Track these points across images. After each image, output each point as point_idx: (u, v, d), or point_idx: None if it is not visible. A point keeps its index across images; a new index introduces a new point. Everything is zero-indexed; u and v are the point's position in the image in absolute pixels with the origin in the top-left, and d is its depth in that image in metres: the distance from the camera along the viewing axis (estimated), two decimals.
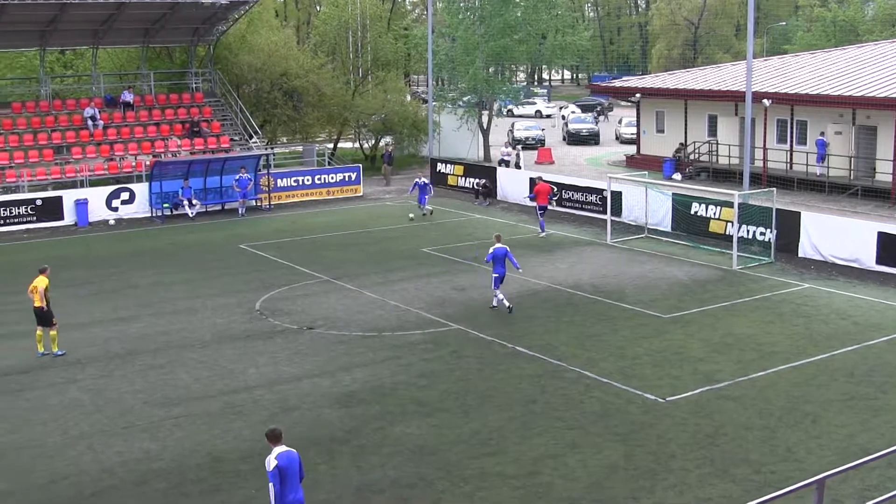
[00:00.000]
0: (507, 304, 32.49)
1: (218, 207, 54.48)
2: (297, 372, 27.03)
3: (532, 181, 51.62)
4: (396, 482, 20.10)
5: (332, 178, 59.62)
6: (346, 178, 59.83)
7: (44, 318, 28.55)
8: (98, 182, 54.36)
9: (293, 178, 58.27)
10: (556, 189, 49.80)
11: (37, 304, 28.44)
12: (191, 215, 52.18)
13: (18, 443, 22.49)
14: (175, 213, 52.59)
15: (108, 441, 22.50)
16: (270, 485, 16.01)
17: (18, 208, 49.83)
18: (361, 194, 59.38)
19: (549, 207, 47.53)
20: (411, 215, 48.79)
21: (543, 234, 45.83)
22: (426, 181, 52.55)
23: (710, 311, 32.45)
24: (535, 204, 47.49)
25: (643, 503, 19.01)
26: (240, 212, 53.24)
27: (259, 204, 55.24)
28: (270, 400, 24.86)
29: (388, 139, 75.41)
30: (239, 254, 42.96)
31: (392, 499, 19.39)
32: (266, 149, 61.33)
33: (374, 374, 26.71)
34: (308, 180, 58.68)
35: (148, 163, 54.53)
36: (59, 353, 28.69)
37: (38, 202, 50.25)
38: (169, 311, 33.51)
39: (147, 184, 52.81)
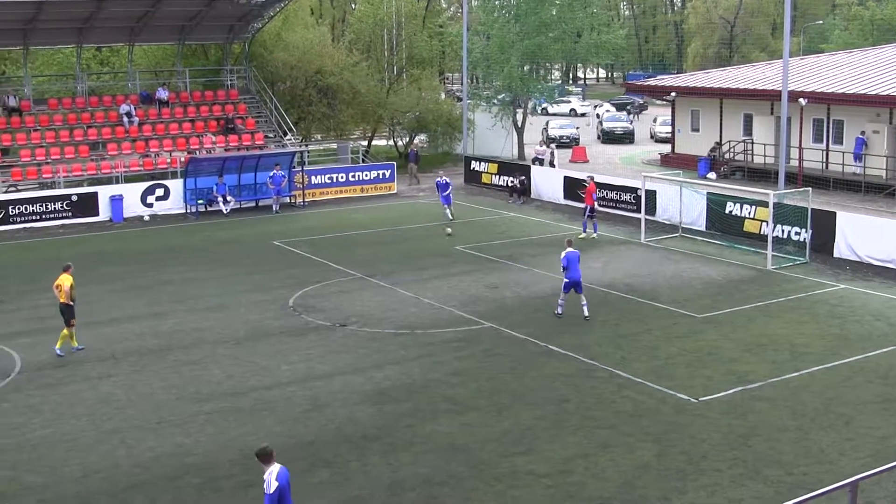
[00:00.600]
0: (585, 311, 31.49)
1: (252, 204, 54.65)
2: (329, 369, 27.07)
3: (583, 181, 49.34)
4: (427, 480, 20.10)
5: (366, 175, 59.67)
6: (380, 176, 59.88)
7: (66, 314, 28.70)
8: (133, 178, 54.67)
9: (327, 176, 58.39)
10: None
11: (62, 300, 28.57)
12: (225, 212, 52.36)
13: (52, 437, 22.62)
14: (209, 209, 52.77)
15: (141, 436, 22.62)
16: None
17: (54, 204, 50.15)
18: (395, 192, 59.41)
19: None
20: (448, 230, 44.84)
21: (584, 234, 45.09)
22: (447, 179, 51.23)
23: (744, 312, 32.29)
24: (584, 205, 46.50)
25: (674, 503, 18.94)
26: (274, 208, 53.38)
27: (293, 201, 55.36)
28: (303, 396, 24.91)
29: (420, 138, 75.53)
30: (272, 250, 43.08)
31: (423, 496, 19.39)
32: (300, 146, 61.48)
33: (406, 371, 26.72)
34: (342, 178, 58.78)
35: (182, 159, 54.75)
36: (79, 347, 28.96)
37: (74, 198, 50.53)
38: (202, 308, 33.64)
39: (181, 180, 53.00)
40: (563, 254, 31.56)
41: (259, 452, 15.94)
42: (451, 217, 49.45)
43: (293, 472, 20.35)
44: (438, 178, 51.48)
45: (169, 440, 22.35)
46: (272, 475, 15.53)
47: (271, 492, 15.40)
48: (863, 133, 56.46)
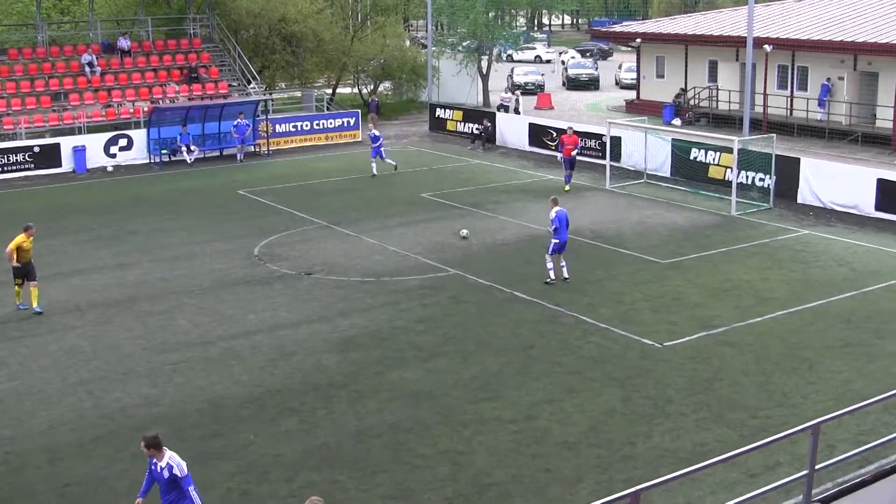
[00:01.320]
0: (565, 273, 29.87)
1: (216, 153, 54.29)
2: (295, 317, 27.10)
3: (559, 132, 48.30)
4: (394, 427, 20.21)
5: (331, 123, 59.45)
6: (345, 124, 59.67)
7: (19, 273, 28.24)
8: (96, 129, 54.10)
9: (291, 124, 58.10)
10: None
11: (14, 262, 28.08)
12: (189, 161, 52.06)
13: (19, 389, 22.58)
14: (173, 159, 52.44)
15: (108, 387, 22.60)
16: (192, 488, 15.01)
17: (16, 155, 49.65)
18: (360, 139, 59.21)
19: (554, 154, 47.19)
20: (464, 233, 35.53)
21: (568, 187, 43.65)
22: (377, 132, 48.83)
23: (709, 257, 32.49)
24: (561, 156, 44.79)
25: (640, 448, 19.13)
26: (238, 158, 53.06)
27: (257, 150, 55.08)
28: (269, 345, 24.95)
29: (385, 85, 75.23)
30: (237, 200, 42.93)
31: (390, 443, 19.51)
32: (264, 94, 61.10)
33: (372, 319, 26.78)
34: (307, 126, 58.51)
35: (146, 109, 54.27)
36: (23, 306, 28.29)
37: (36, 149, 50.07)
38: (168, 258, 33.53)
39: (145, 130, 52.60)
40: (552, 213, 29.67)
41: (149, 443, 14.94)
42: (375, 172, 47.83)
43: (261, 420, 20.50)
44: (369, 131, 49.82)
45: (136, 391, 22.35)
46: (175, 459, 14.91)
47: (188, 473, 14.92)
48: (828, 80, 56.62)
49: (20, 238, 28.09)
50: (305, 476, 18.18)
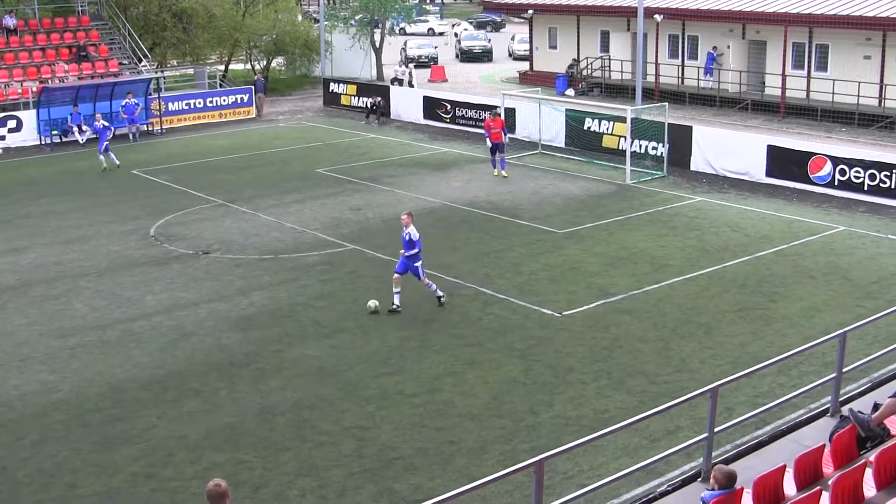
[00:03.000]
0: (440, 293, 25.81)
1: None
2: (194, 297, 26.89)
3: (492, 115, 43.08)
4: (298, 404, 20.20)
5: (224, 100, 58.86)
6: (239, 101, 59.13)
7: None
8: None
9: (184, 102, 57.39)
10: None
11: None
12: (81, 142, 51.20)
13: None
14: (65, 140, 51.56)
15: (5, 374, 22.22)
16: None
17: None
18: (254, 116, 58.76)
19: (449, 127, 47.03)
20: (371, 305, 25.52)
21: (504, 172, 40.77)
22: (104, 123, 45.35)
23: (605, 226, 32.85)
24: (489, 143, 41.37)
25: (542, 417, 19.34)
26: (130, 137, 52.34)
27: (150, 129, 54.39)
28: (168, 326, 24.73)
29: (278, 60, 74.64)
30: (131, 180, 42.37)
31: (294, 420, 19.50)
32: (156, 72, 60.30)
33: (271, 296, 26.68)
34: (200, 103, 57.84)
35: (35, 89, 53.27)
36: None
37: None
38: (62, 241, 33.02)
39: (35, 111, 51.66)
40: (410, 231, 25.10)
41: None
42: (105, 166, 44.28)
43: (163, 402, 20.34)
44: (95, 123, 46.15)
45: (34, 377, 22.01)
46: None
47: None
48: (714, 48, 57.39)
49: None
50: (210, 457, 18.11)
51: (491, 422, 19.23)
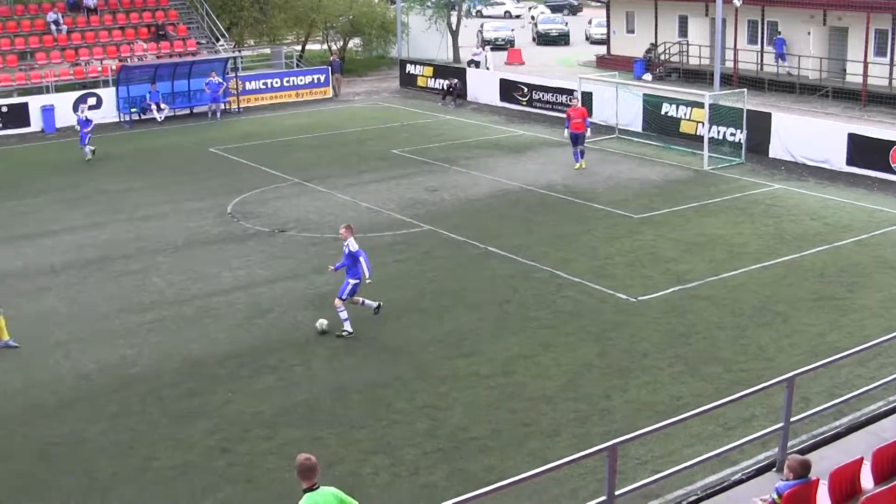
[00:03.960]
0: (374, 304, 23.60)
1: (186, 111, 54.03)
2: (270, 275, 27.07)
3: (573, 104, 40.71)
4: (372, 382, 20.27)
5: (301, 80, 59.14)
6: (315, 81, 59.39)
7: None
8: (64, 87, 53.75)
9: (262, 81, 57.79)
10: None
11: None
12: (159, 119, 51.74)
13: None
14: (143, 117, 52.11)
15: (84, 348, 22.56)
16: None
17: None
18: (330, 96, 58.97)
19: (525, 110, 46.63)
20: (322, 324, 23.17)
21: (582, 163, 39.11)
22: (86, 116, 43.26)
23: (681, 212, 32.59)
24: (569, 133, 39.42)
25: (616, 401, 19.26)
26: (209, 115, 52.82)
27: (227, 107, 54.78)
28: (245, 303, 24.92)
29: (354, 41, 74.78)
30: (209, 157, 42.74)
31: (368, 399, 19.57)
32: (233, 52, 60.71)
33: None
34: (276, 83, 58.20)
35: (114, 67, 53.89)
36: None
37: (4, 109, 49.70)
38: (140, 217, 33.38)
39: (114, 88, 52.27)
40: (348, 243, 22.83)
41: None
42: (88, 156, 42.87)
43: (239, 378, 20.51)
44: (79, 115, 44.15)
45: (113, 351, 22.28)
46: None
47: None
48: (779, 33, 56.75)
49: None
50: (285, 433, 18.24)
51: (565, 405, 19.17)
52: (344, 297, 22.79)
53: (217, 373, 21.00)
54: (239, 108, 54.88)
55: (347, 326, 22.74)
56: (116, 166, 41.34)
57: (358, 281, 22.73)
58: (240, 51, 65.52)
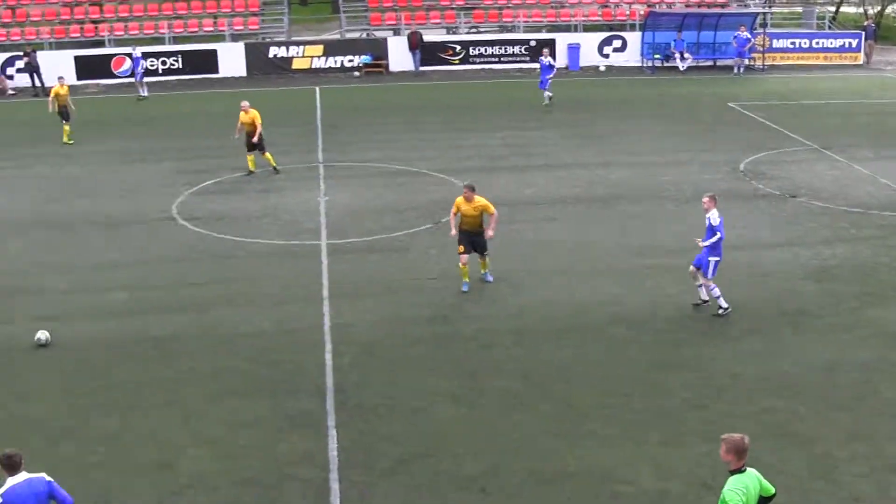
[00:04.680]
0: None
1: (709, 63, 53.72)
2: (774, 239, 26.34)
3: None
4: (865, 365, 19.12)
5: (832, 43, 57.13)
6: (847, 45, 57.16)
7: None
8: (591, 28, 54.94)
9: (789, 41, 56.41)
10: None
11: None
12: (681, 68, 51.81)
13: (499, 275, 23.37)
14: (665, 65, 52.34)
15: (582, 281, 23.15)
16: None
17: (513, 48, 51.42)
18: (861, 63, 56.57)
19: None
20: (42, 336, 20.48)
21: None
22: (550, 61, 43.82)
23: None
24: None
25: None
26: (734, 70, 52.22)
27: (752, 63, 53.93)
28: (744, 263, 24.27)
29: (883, 10, 71.33)
30: (727, 112, 42.26)
31: (857, 381, 18.36)
32: (764, 7, 59.58)
33: (855, 252, 25.42)
34: (805, 43, 56.58)
35: (642, 13, 54.39)
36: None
37: (532, 43, 51.56)
38: (651, 162, 33.56)
39: (640, 33, 52.78)
40: (710, 215, 21.39)
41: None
42: (546, 102, 43.32)
43: (723, 337, 20.13)
44: (542, 58, 44.23)
45: (607, 289, 22.65)
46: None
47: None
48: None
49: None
50: (762, 400, 17.60)
51: None
52: (709, 276, 21.36)
53: (702, 329, 20.75)
54: (763, 65, 53.91)
55: (722, 303, 21.33)
56: (634, 109, 41.83)
57: (719, 258, 21.34)
58: (770, 7, 64.22)
